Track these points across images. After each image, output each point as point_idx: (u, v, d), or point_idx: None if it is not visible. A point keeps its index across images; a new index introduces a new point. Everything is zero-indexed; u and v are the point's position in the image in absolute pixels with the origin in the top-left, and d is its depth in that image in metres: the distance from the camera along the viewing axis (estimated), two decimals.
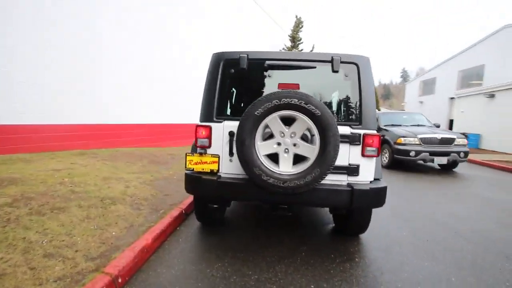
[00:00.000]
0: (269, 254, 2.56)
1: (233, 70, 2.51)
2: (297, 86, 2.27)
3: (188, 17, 10.07)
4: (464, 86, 19.60)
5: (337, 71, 2.38)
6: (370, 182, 2.36)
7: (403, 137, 7.38)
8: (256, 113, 2.07)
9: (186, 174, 2.49)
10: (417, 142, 7.25)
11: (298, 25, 15.34)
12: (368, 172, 2.35)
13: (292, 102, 2.03)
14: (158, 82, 8.86)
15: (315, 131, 2.08)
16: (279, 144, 2.15)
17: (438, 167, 8.04)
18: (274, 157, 2.19)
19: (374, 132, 2.33)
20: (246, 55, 2.43)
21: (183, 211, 3.30)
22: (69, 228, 2.54)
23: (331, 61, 2.38)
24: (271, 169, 2.12)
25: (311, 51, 16.24)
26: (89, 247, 2.29)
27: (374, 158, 2.35)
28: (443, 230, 3.31)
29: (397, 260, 2.52)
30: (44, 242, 2.24)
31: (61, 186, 3.50)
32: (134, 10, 7.89)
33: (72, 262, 2.05)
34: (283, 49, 15.85)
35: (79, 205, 3.05)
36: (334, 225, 3.23)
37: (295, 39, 15.38)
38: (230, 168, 2.42)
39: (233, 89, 2.59)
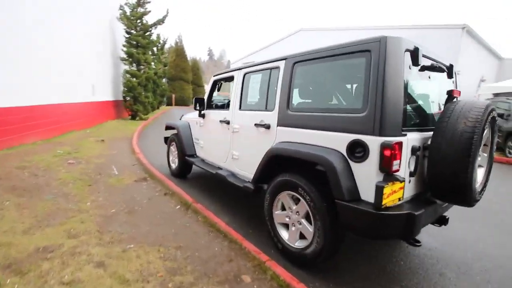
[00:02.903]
0: None
1: (410, 65, 1.84)
2: (459, 93, 2.08)
3: None
4: None
5: (452, 78, 2.40)
6: None
7: None
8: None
9: (382, 215, 1.65)
10: None
11: None
12: None
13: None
14: None
15: (490, 138, 2.07)
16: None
17: None
18: None
19: None
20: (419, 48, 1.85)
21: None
22: None
23: (449, 68, 2.34)
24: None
25: (165, 16, 13.90)
26: None
27: None
28: None
29: None
30: None
31: None
32: None
33: None
34: (126, 4, 12.38)
35: None
36: None
37: None
38: (407, 191, 1.88)
39: (408, 90, 1.90)
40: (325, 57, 2.11)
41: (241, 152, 3.01)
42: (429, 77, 2.13)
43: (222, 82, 3.80)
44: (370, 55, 1.81)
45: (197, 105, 3.73)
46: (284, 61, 2.48)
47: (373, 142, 1.75)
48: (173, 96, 32.80)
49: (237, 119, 3.05)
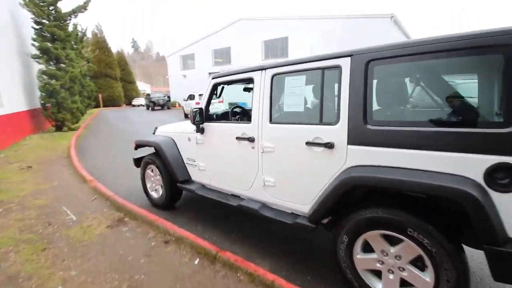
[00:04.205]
0: None
1: None
2: None
3: None
4: (218, 64, 23.86)
5: None
6: None
7: None
8: None
9: None
10: None
11: None
12: None
13: None
14: None
15: None
16: None
17: None
18: None
19: None
20: None
21: None
22: None
23: None
24: None
25: (87, 1, 11.37)
26: None
27: None
28: None
29: None
30: None
31: None
32: None
33: None
34: None
35: None
36: None
37: None
38: None
39: None
40: (428, 53, 1.58)
41: (279, 178, 2.32)
42: None
43: (225, 85, 2.96)
44: None
45: (197, 117, 2.82)
46: (349, 58, 1.87)
47: None
48: (100, 96, 28.65)
49: (269, 135, 2.33)
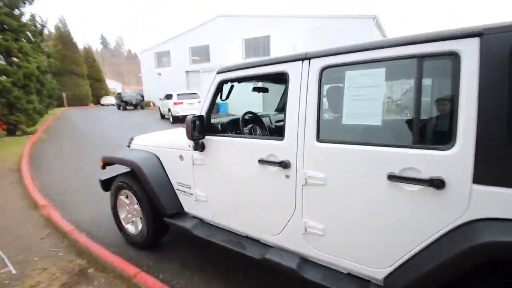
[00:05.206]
0: None
1: None
2: None
3: None
4: (195, 62, 22.64)
5: None
6: None
7: None
8: None
9: None
10: None
11: None
12: None
13: None
14: None
15: None
16: None
17: None
18: None
19: None
20: None
21: None
22: None
23: None
24: None
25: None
26: None
27: None
28: None
29: None
30: None
31: None
32: None
33: None
34: None
35: None
36: None
37: None
38: None
39: None
40: None
41: (334, 224, 1.53)
42: None
43: (236, 83, 2.11)
44: None
45: (195, 128, 1.94)
46: (476, 40, 1.11)
47: None
48: (64, 95, 26.21)
49: (317, 160, 1.53)
